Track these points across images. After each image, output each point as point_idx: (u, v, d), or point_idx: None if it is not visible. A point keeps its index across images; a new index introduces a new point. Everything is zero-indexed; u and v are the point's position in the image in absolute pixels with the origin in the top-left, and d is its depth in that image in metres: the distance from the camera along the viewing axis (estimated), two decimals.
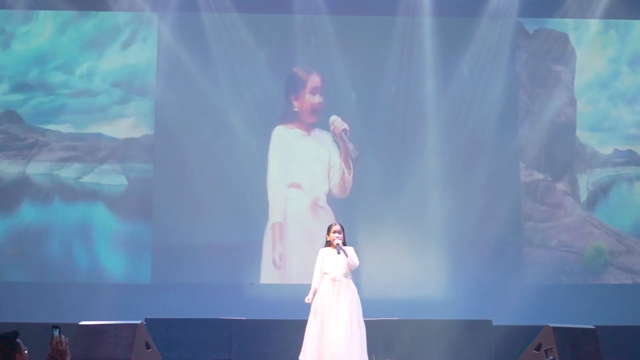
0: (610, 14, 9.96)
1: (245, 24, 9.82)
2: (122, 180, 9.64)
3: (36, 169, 9.64)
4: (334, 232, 6.80)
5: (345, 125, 9.39)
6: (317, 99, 9.43)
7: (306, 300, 6.76)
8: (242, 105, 9.66)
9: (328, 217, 9.22)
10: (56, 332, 3.52)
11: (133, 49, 9.82)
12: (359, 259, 6.78)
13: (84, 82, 9.77)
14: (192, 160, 9.59)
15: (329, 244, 6.86)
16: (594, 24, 10.04)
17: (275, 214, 9.41)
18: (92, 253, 9.48)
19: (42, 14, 9.81)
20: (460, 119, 9.77)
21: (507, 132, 9.83)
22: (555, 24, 10.08)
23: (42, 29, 9.81)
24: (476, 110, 9.78)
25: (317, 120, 9.55)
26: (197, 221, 9.45)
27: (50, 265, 9.41)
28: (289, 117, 9.65)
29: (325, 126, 9.58)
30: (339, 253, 6.66)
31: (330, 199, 9.51)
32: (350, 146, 9.31)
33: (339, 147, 9.52)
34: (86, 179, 9.64)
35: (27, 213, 9.54)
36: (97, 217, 9.56)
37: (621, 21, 10.10)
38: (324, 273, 6.77)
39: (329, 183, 9.28)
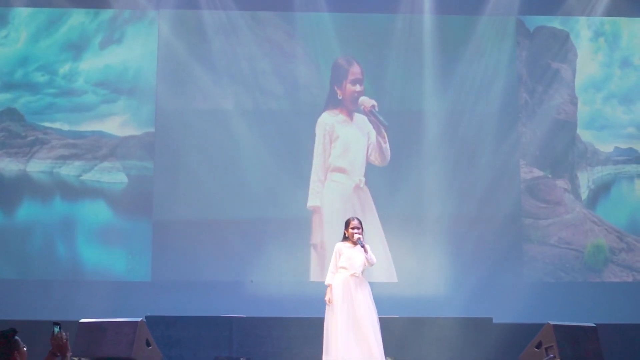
0: (611, 11, 9.96)
1: (246, 21, 9.83)
2: (122, 177, 9.64)
3: (37, 167, 9.64)
4: (353, 227, 6.75)
5: (373, 102, 9.52)
6: (357, 87, 9.62)
7: (327, 300, 6.66)
8: (247, 100, 9.70)
9: (367, 198, 9.45)
10: (57, 329, 3.53)
11: (133, 47, 9.81)
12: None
13: (82, 80, 9.75)
14: (193, 157, 9.60)
15: (346, 238, 6.81)
16: (595, 22, 10.04)
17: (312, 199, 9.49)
18: (93, 251, 9.48)
19: (41, 11, 9.81)
20: (461, 116, 9.77)
21: (507, 129, 9.82)
22: (556, 21, 10.07)
23: (41, 27, 9.82)
24: (476, 108, 9.78)
25: (357, 106, 9.69)
26: (197, 218, 9.45)
27: (51, 263, 9.40)
28: (333, 103, 9.71)
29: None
30: (362, 246, 6.62)
31: (368, 179, 9.56)
32: (380, 117, 9.47)
33: (373, 123, 9.59)
34: (87, 176, 9.64)
35: (28, 211, 9.54)
36: (98, 215, 9.56)
37: (624, 18, 10.10)
38: (341, 267, 6.69)
39: (370, 157, 9.52)
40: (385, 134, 9.57)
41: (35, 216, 9.54)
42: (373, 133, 9.60)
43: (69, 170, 9.65)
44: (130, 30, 9.83)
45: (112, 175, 9.64)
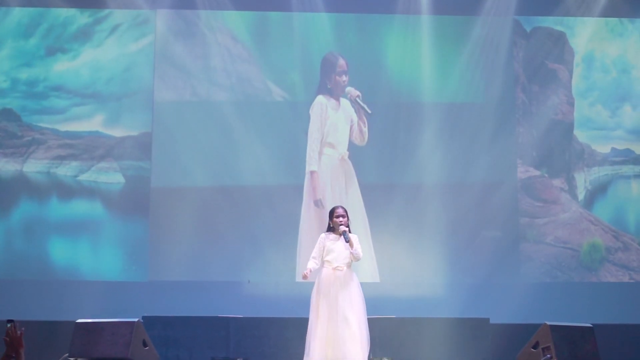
0: (608, 12, 9.97)
1: (244, 20, 9.85)
2: (119, 178, 9.64)
3: (33, 167, 9.63)
4: (337, 216, 6.49)
5: (358, 92, 9.78)
6: (343, 77, 9.91)
7: (303, 275, 6.34)
8: (236, 98, 9.72)
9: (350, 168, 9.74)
10: (9, 325, 3.53)
11: (130, 47, 9.80)
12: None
13: (77, 81, 9.74)
14: (190, 157, 9.60)
15: (331, 228, 6.56)
16: (592, 23, 10.05)
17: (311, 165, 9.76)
18: (90, 251, 9.47)
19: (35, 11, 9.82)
20: (458, 117, 9.78)
21: (504, 129, 9.83)
22: (552, 22, 10.09)
23: (37, 25, 9.82)
24: (473, 108, 9.80)
25: (344, 93, 9.93)
26: (194, 219, 9.44)
27: (47, 264, 9.39)
28: (322, 92, 9.87)
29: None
30: (347, 241, 6.36)
31: (351, 154, 9.80)
32: (365, 106, 9.75)
33: (356, 109, 9.81)
34: (83, 177, 9.64)
35: (25, 211, 9.53)
36: (95, 215, 9.55)
37: (620, 19, 10.11)
38: (325, 261, 6.44)
39: (352, 136, 9.87)
40: (366, 120, 9.77)
41: (32, 216, 9.52)
42: (356, 116, 9.79)
43: (65, 171, 9.64)
44: (124, 31, 9.82)
45: (109, 176, 9.63)
